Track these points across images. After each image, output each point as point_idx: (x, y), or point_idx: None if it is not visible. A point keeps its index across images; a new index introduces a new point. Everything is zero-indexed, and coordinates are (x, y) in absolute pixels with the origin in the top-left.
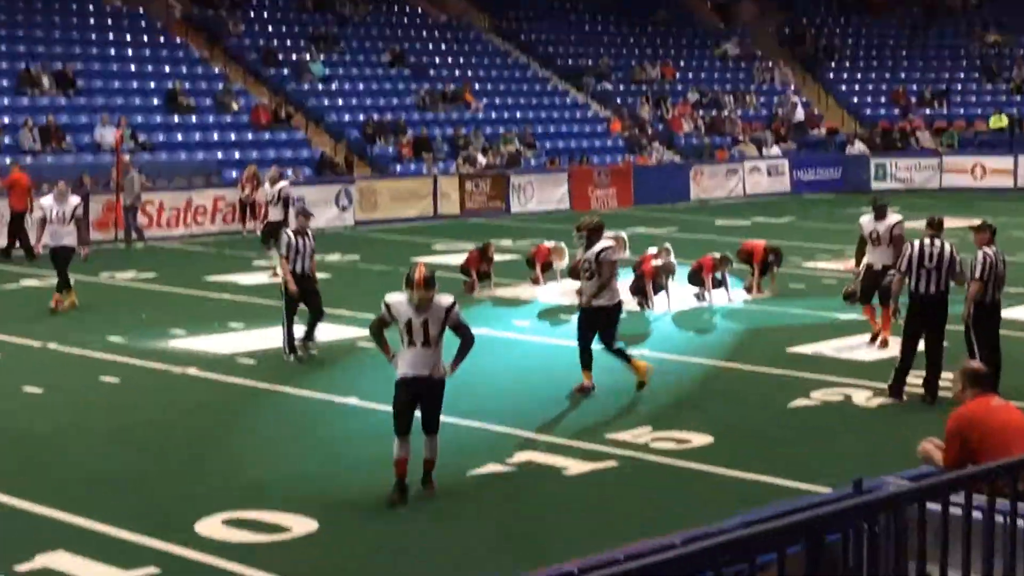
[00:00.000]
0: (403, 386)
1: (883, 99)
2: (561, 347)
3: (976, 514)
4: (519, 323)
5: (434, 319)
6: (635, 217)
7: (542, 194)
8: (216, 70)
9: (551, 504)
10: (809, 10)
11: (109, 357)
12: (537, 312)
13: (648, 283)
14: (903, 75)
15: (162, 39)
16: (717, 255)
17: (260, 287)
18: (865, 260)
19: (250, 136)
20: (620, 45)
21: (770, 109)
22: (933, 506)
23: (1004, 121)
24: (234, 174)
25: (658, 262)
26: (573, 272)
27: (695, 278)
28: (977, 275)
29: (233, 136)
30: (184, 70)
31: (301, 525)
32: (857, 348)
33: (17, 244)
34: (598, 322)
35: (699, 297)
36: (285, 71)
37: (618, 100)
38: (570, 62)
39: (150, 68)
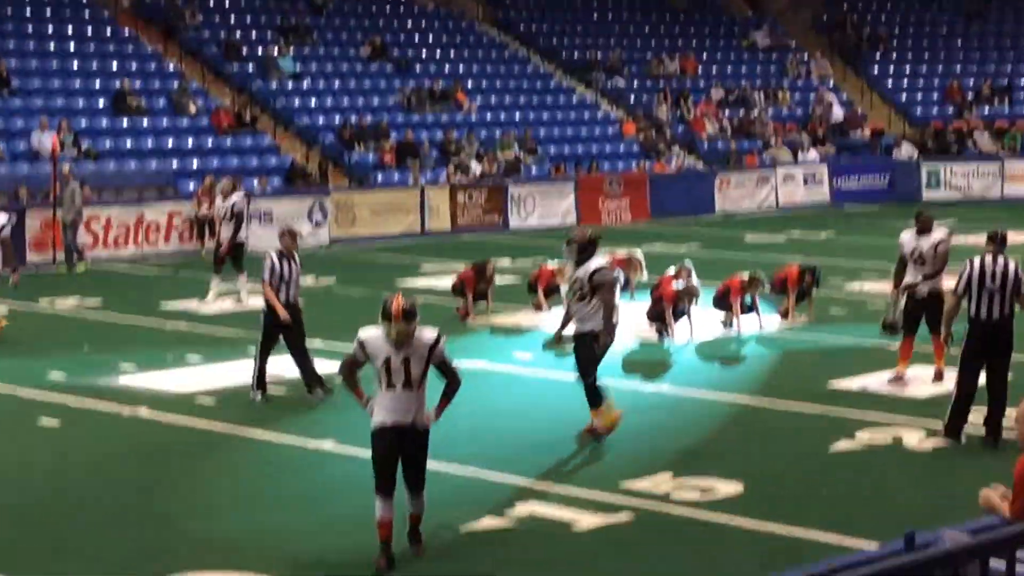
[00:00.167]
0: (381, 436)
1: (935, 95)
2: (567, 383)
3: None
4: (520, 355)
5: (416, 357)
6: (652, 233)
7: (545, 207)
8: (171, 67)
9: (558, 565)
10: None
11: (48, 397)
12: (540, 342)
13: (668, 309)
14: (958, 68)
15: (109, 31)
16: (746, 276)
17: (222, 315)
18: (905, 281)
19: (210, 142)
20: (633, 35)
21: (806, 108)
22: (997, 563)
23: None
24: (192, 186)
25: (679, 284)
26: None
27: (721, 302)
28: None
29: (190, 142)
30: (134, 67)
31: None
32: (910, 382)
33: None
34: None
35: (726, 324)
36: (250, 67)
37: (632, 98)
38: (576, 55)
39: (95, 65)
